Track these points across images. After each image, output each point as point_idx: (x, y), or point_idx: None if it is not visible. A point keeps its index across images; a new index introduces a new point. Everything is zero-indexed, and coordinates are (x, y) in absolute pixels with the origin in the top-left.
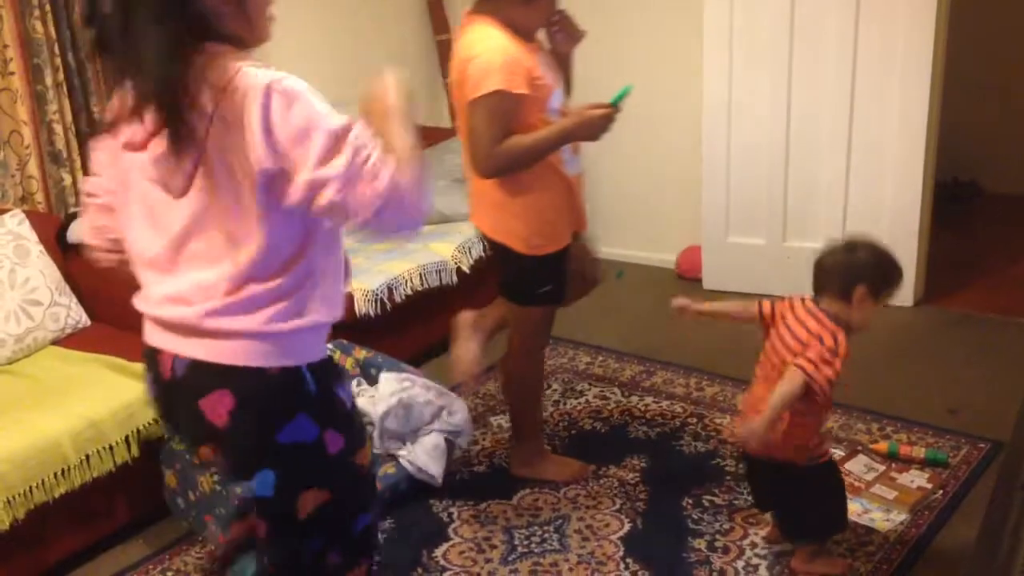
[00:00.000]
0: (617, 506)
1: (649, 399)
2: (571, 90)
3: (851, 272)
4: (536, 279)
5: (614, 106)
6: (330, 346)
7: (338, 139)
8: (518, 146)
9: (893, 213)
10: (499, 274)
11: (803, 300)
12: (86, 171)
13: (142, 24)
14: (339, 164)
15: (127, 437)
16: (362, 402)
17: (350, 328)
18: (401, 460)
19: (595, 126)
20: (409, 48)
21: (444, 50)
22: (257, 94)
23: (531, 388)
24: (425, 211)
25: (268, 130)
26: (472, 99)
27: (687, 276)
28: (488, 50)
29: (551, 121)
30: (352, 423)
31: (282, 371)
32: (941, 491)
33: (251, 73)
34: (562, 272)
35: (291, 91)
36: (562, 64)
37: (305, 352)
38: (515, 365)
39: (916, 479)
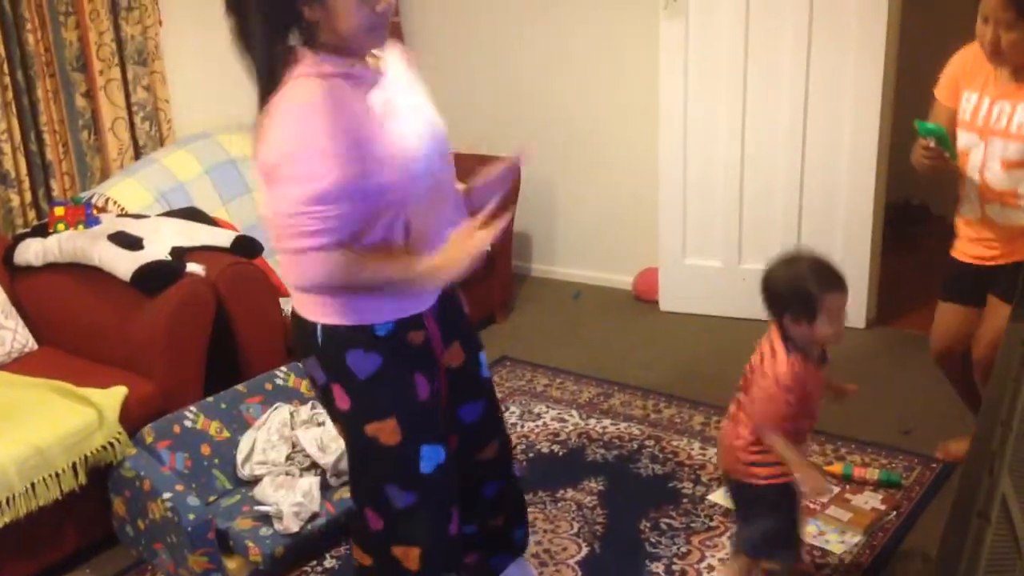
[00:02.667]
0: (575, 530)
1: (607, 421)
2: None
3: (774, 301)
4: None
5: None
6: (284, 369)
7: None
8: None
9: (846, 236)
10: None
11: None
12: (34, 192)
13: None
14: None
15: (74, 464)
16: (314, 434)
17: None
18: None
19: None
20: None
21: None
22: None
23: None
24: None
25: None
26: None
27: (644, 298)
28: (958, 53)
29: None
30: (361, 394)
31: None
32: (895, 512)
33: (289, 85)
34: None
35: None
36: None
37: (319, 314)
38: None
39: (870, 500)
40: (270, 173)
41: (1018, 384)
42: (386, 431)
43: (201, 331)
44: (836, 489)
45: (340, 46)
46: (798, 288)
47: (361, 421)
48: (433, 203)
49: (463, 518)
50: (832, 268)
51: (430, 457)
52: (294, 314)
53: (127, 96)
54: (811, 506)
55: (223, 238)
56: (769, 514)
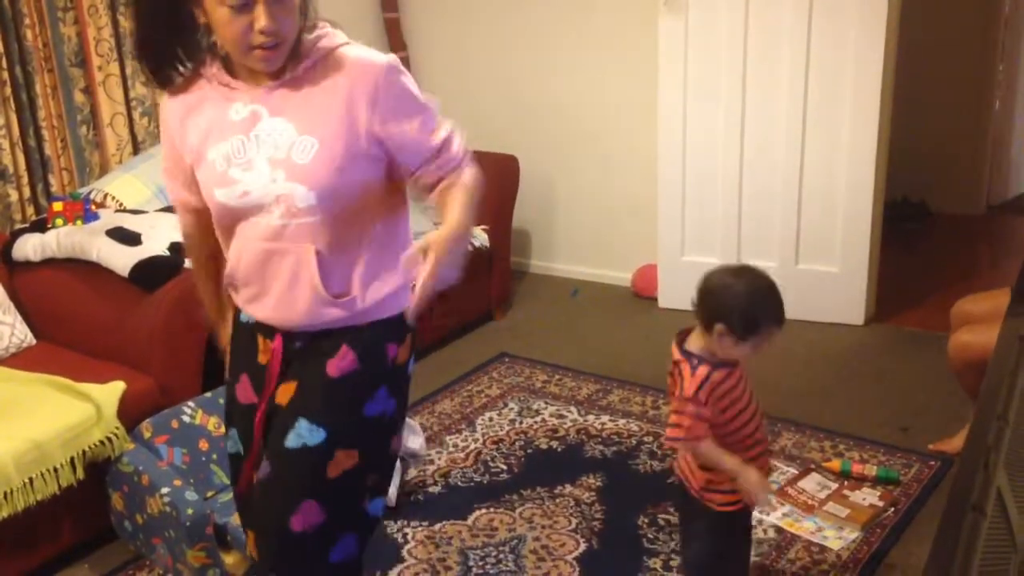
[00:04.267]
0: (573, 525)
1: (606, 417)
2: None
3: (717, 305)
4: None
5: None
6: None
7: None
8: None
9: (845, 232)
10: None
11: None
12: (33, 187)
13: None
14: None
15: (72, 459)
16: None
17: None
18: None
19: None
20: (357, 25)
21: (392, 27)
22: None
23: None
24: None
25: None
26: None
27: (643, 294)
28: None
29: None
30: None
31: None
32: (893, 508)
33: None
34: None
35: None
36: None
37: None
38: None
39: (868, 497)
40: None
41: (1014, 378)
42: None
43: (199, 326)
44: (775, 501)
45: (231, 58)
46: (749, 310)
47: None
48: (235, 239)
49: None
50: (781, 300)
51: (233, 440)
52: None
53: (126, 91)
54: (809, 503)
55: None
56: (711, 538)
